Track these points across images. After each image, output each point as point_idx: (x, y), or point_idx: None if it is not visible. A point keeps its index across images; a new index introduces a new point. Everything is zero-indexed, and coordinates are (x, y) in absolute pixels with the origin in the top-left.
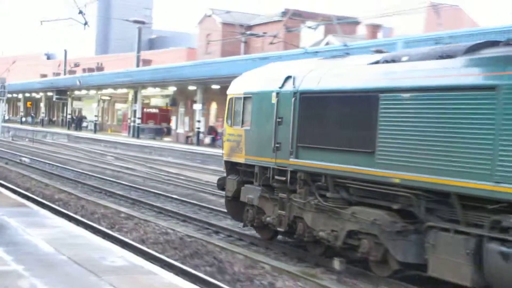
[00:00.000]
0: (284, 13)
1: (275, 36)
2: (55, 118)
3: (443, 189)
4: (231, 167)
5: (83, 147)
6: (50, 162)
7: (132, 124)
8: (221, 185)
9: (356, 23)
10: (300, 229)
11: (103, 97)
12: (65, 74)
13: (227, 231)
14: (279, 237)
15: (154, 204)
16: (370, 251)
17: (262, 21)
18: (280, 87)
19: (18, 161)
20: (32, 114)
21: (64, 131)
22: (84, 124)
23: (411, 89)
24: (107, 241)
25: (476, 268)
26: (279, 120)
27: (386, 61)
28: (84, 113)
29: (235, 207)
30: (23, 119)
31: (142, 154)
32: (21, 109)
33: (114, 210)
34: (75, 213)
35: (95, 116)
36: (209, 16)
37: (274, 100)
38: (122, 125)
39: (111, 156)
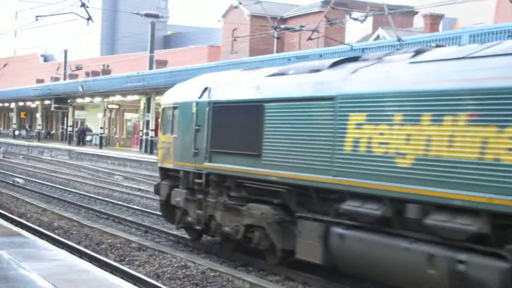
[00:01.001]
0: (325, 3)
1: (314, 31)
2: (53, 131)
3: (303, 184)
4: (164, 173)
5: (87, 165)
6: (48, 183)
7: (144, 137)
8: (157, 190)
9: (412, 13)
10: (213, 226)
11: (110, 106)
12: (65, 78)
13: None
14: (207, 237)
15: (171, 232)
16: (260, 241)
17: (298, 13)
18: (199, 98)
19: (10, 182)
20: (27, 127)
21: (65, 146)
22: (88, 137)
23: (284, 100)
24: (116, 277)
25: (325, 248)
26: (197, 128)
27: (276, 74)
28: (88, 124)
29: (168, 210)
30: (16, 132)
31: (156, 172)
32: (14, 120)
33: (123, 239)
34: (78, 243)
35: (101, 128)
36: (236, 7)
37: (194, 109)
38: (133, 138)
39: (120, 175)
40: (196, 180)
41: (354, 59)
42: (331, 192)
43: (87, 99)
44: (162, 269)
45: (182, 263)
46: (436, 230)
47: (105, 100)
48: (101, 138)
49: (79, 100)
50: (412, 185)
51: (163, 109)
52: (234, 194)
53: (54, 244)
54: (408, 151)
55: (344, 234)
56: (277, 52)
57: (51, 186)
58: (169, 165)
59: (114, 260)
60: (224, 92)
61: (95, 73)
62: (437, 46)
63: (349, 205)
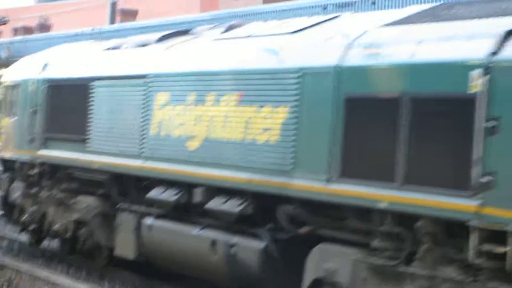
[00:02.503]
0: None
1: None
2: None
3: (120, 171)
4: (6, 163)
5: None
6: None
7: None
8: None
9: None
10: (46, 225)
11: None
12: None
13: None
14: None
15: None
16: (87, 239)
17: None
18: (39, 74)
19: None
20: None
21: None
22: None
23: (105, 78)
24: None
25: (137, 242)
26: (33, 110)
27: (111, 48)
28: None
29: (9, 208)
30: None
31: None
32: None
33: None
34: None
35: None
36: None
37: (30, 88)
38: None
39: None
40: (30, 172)
41: (184, 32)
42: (144, 179)
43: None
44: None
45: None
46: (215, 214)
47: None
48: None
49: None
50: (198, 167)
51: (5, 87)
52: (65, 187)
53: None
54: (196, 133)
55: (152, 224)
56: None
57: None
58: (8, 154)
59: None
60: (59, 69)
61: (28, 30)
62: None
63: (155, 192)
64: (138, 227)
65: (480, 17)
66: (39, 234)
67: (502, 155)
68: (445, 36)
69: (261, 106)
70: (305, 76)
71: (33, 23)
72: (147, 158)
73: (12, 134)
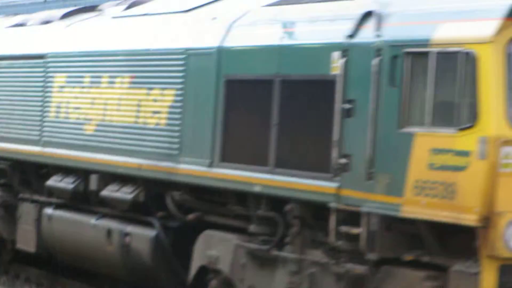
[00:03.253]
0: None
1: None
2: None
3: (20, 158)
4: None
5: None
6: None
7: None
8: None
9: None
10: None
11: None
12: None
13: None
14: None
15: None
16: None
17: None
18: None
19: None
20: None
21: None
22: None
23: (4, 58)
24: None
25: (38, 233)
26: None
27: (17, 25)
28: None
29: None
30: None
31: None
32: None
33: None
34: None
35: None
36: None
37: None
38: None
39: None
40: None
41: (91, 8)
42: (44, 167)
43: None
44: None
45: None
46: (110, 202)
47: None
48: None
49: None
50: (94, 153)
51: None
52: None
53: None
54: (92, 117)
55: (52, 214)
56: None
57: None
58: None
59: None
60: None
61: None
62: None
63: (53, 180)
64: (39, 218)
65: None
66: None
67: (356, 138)
68: (313, 17)
69: (151, 89)
70: (190, 58)
71: None
72: (46, 144)
73: None
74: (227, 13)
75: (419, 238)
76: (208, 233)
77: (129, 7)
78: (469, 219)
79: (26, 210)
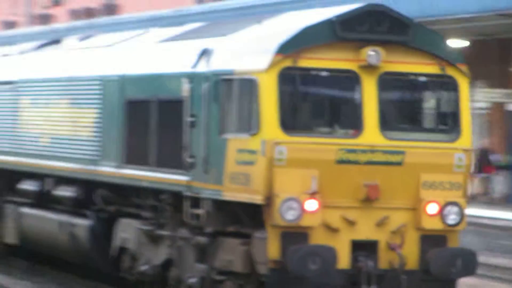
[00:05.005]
0: None
1: None
2: None
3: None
4: None
5: None
6: None
7: None
8: None
9: None
10: None
11: None
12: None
13: None
14: None
15: None
16: None
17: None
18: None
19: None
20: None
21: None
22: None
23: None
24: None
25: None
26: None
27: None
28: None
29: None
30: None
31: None
32: None
33: None
34: None
35: None
36: None
37: None
38: None
39: None
40: None
41: (58, 41)
42: (16, 173)
43: None
44: None
45: None
46: (60, 200)
47: None
48: None
49: None
50: (46, 160)
51: None
52: None
53: None
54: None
55: (25, 212)
56: None
57: None
58: None
59: None
60: None
61: (90, 12)
62: None
63: (23, 184)
64: (17, 216)
65: (197, 37)
66: None
67: (197, 142)
68: (174, 52)
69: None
70: (104, 84)
71: (97, 3)
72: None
73: None
74: (129, 48)
75: (238, 214)
76: (121, 221)
77: (82, 39)
78: (258, 199)
79: (9, 210)
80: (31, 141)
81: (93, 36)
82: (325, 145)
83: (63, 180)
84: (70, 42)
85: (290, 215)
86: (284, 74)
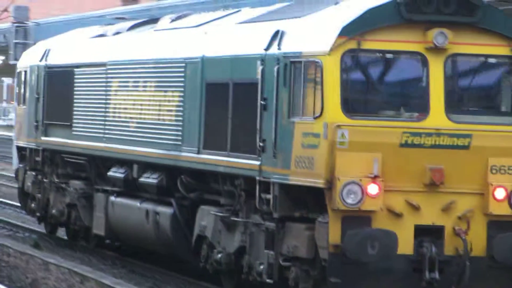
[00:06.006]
0: None
1: None
2: None
3: (97, 154)
4: (21, 152)
5: None
6: None
7: None
8: (16, 175)
9: None
10: (49, 211)
11: None
12: None
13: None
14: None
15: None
16: (76, 221)
17: None
18: (40, 60)
19: None
20: None
21: None
22: None
23: (81, 65)
24: None
25: (106, 219)
26: (37, 96)
27: (99, 35)
28: None
29: (25, 197)
30: None
31: None
32: None
33: None
34: None
35: None
36: None
37: (35, 74)
38: None
39: None
40: (36, 158)
41: (154, 21)
42: (106, 160)
43: None
44: None
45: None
46: (145, 187)
47: None
48: None
49: None
50: (133, 146)
51: (18, 73)
52: (61, 172)
53: None
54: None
55: (114, 201)
56: None
57: None
58: (21, 142)
59: None
60: (56, 55)
61: None
62: None
63: (113, 172)
64: (106, 205)
65: (275, 19)
66: (53, 223)
67: (268, 126)
68: (250, 33)
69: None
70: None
71: None
72: (108, 140)
73: (23, 122)
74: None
75: (304, 199)
76: (202, 208)
77: (175, 19)
78: (319, 182)
79: (98, 199)
80: (120, 126)
81: (186, 16)
82: (388, 128)
83: (149, 166)
84: (164, 22)
85: (351, 199)
86: (347, 57)
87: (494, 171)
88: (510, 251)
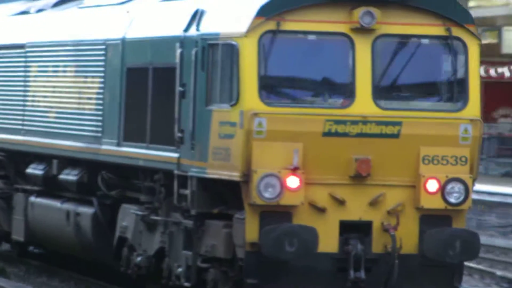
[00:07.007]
0: None
1: None
2: None
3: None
4: None
5: None
6: None
7: None
8: None
9: None
10: None
11: None
12: None
13: None
14: None
15: None
16: None
17: None
18: None
19: None
20: None
21: None
22: None
23: None
24: None
25: (25, 221)
26: None
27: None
28: None
29: None
30: None
31: None
32: None
33: None
34: None
35: None
36: None
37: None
38: None
39: None
40: None
41: None
42: (26, 155)
43: None
44: None
45: None
46: (66, 185)
47: None
48: None
49: None
50: (52, 139)
51: None
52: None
53: None
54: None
55: (34, 202)
56: None
57: None
58: None
59: None
60: None
61: None
62: None
63: (32, 168)
64: (26, 207)
65: None
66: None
67: (186, 115)
68: (171, 13)
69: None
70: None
71: None
72: (27, 132)
73: None
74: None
75: (223, 194)
76: (123, 206)
77: None
78: (236, 175)
79: (17, 200)
80: (39, 117)
81: None
82: (310, 116)
83: (70, 162)
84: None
85: (269, 193)
86: (266, 39)
87: (426, 162)
88: (441, 247)
